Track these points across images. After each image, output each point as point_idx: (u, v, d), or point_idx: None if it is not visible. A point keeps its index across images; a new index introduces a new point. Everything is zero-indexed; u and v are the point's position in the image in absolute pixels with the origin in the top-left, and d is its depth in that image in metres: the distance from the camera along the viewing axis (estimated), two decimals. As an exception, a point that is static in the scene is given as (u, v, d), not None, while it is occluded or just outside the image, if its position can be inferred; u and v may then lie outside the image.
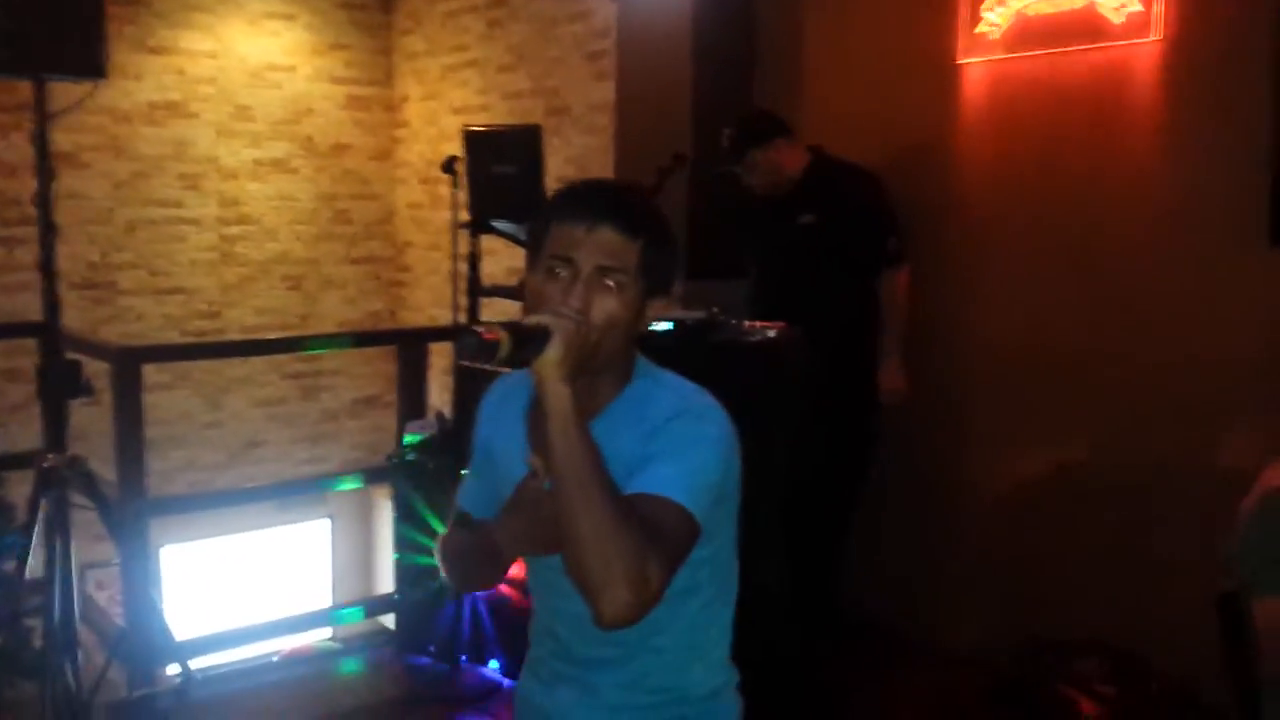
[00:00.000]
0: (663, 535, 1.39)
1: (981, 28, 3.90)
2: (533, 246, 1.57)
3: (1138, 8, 3.49)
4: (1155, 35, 3.48)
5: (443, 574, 1.75)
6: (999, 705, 3.57)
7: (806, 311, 3.56)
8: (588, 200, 1.54)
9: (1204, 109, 3.47)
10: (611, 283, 1.50)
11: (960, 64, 4.00)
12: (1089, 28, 3.63)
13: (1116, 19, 3.55)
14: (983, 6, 3.89)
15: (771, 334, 3.36)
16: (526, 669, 1.81)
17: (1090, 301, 3.75)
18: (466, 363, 1.35)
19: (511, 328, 1.39)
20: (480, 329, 1.39)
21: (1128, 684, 3.39)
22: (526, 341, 1.40)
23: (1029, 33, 3.79)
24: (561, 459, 1.38)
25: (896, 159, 4.26)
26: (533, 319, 1.44)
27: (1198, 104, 3.49)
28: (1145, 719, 3.37)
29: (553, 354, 1.39)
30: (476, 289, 4.30)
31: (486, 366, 1.46)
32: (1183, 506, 3.50)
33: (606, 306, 1.50)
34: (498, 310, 4.59)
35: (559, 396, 1.39)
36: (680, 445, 1.50)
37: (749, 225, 4.15)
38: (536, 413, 1.48)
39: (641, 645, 1.60)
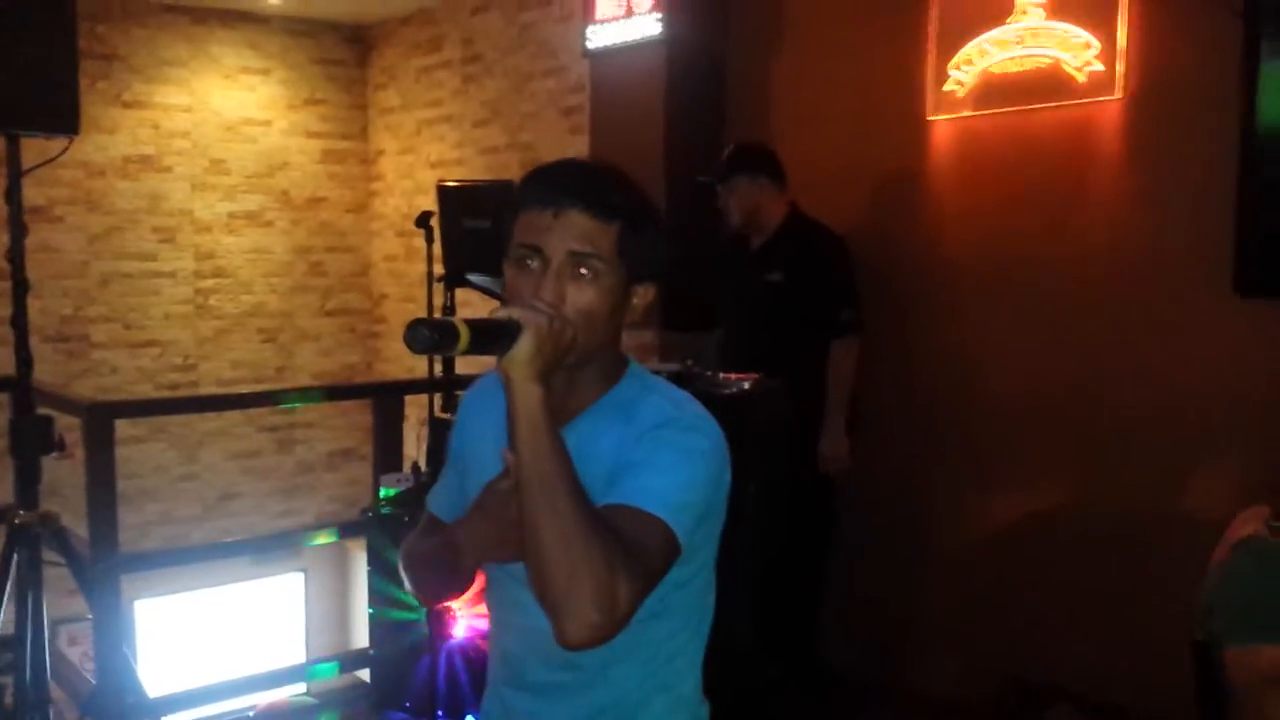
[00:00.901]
0: (637, 551, 1.26)
1: (949, 85, 3.98)
2: (505, 237, 1.44)
3: (1099, 67, 3.58)
4: (1118, 93, 3.56)
5: (406, 583, 1.61)
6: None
7: (769, 367, 3.57)
8: (554, 182, 1.40)
9: (1168, 163, 3.54)
10: (586, 271, 1.37)
11: (930, 120, 4.08)
12: (1054, 86, 3.71)
13: (1080, 77, 3.63)
14: (949, 65, 3.97)
15: (745, 386, 3.39)
16: (481, 713, 1.66)
17: (1059, 351, 3.80)
18: (421, 353, 1.19)
19: (473, 320, 1.26)
20: (435, 320, 1.24)
21: (1102, 732, 3.41)
22: (492, 336, 1.27)
23: (995, 91, 3.88)
24: (527, 462, 1.26)
25: (867, 213, 4.34)
26: (501, 312, 1.30)
27: (1161, 159, 3.56)
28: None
29: (522, 351, 1.27)
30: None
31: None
32: (1156, 552, 3.53)
33: (582, 298, 1.37)
34: (476, 363, 4.60)
35: (527, 396, 1.27)
36: (666, 455, 1.36)
37: (724, 274, 4.20)
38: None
39: (599, 673, 1.46)
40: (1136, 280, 3.62)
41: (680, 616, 1.50)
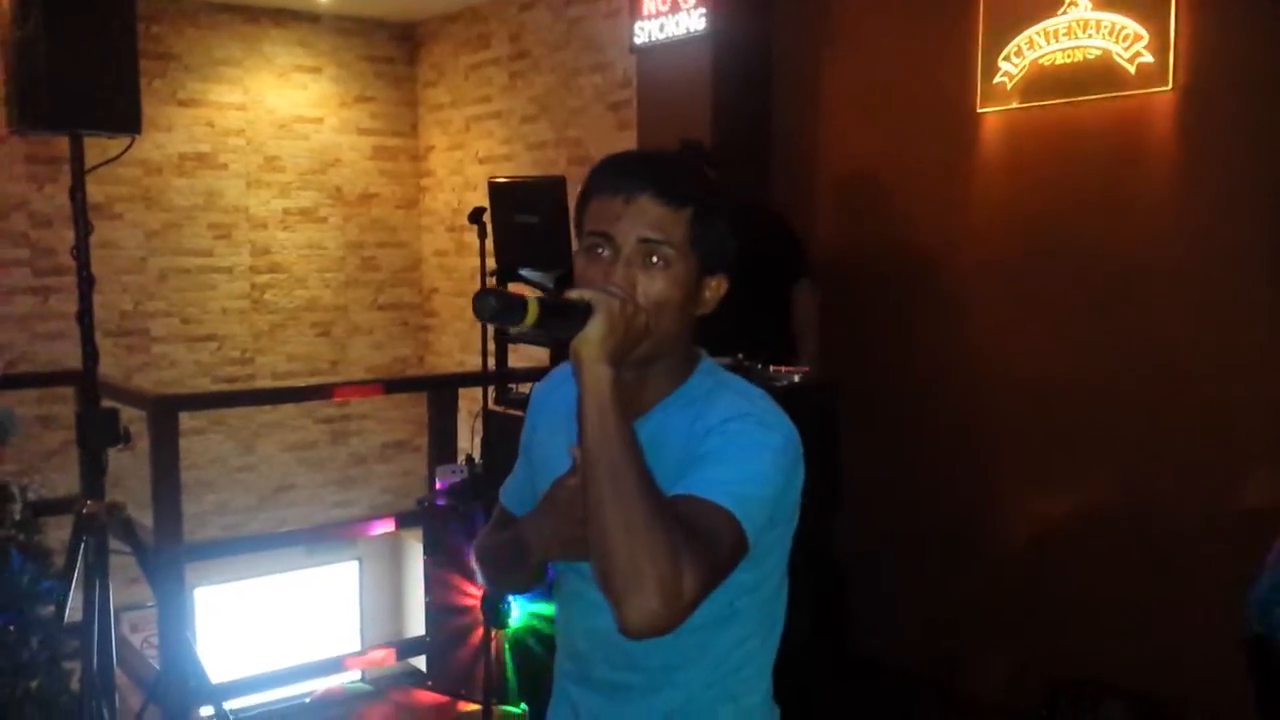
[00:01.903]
0: (703, 541, 1.22)
1: (998, 78, 3.97)
2: (576, 226, 1.43)
3: (1149, 58, 3.55)
4: (1169, 85, 3.53)
5: (477, 575, 1.60)
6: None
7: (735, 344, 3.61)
8: (626, 169, 1.39)
9: (1219, 156, 3.51)
10: (658, 259, 1.35)
11: (979, 112, 4.07)
12: (1103, 78, 3.68)
13: (1130, 69, 3.61)
14: (999, 57, 3.96)
15: (797, 379, 3.41)
16: (551, 708, 1.63)
17: (1110, 346, 3.77)
18: (486, 321, 1.24)
19: (544, 298, 1.23)
20: (502, 291, 1.23)
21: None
22: (562, 314, 1.25)
23: (1044, 83, 3.86)
24: (594, 444, 1.23)
25: (915, 206, 4.34)
26: (574, 292, 1.28)
27: (1213, 151, 3.53)
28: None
29: (594, 331, 1.24)
30: (504, 335, 4.37)
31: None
32: (1207, 548, 3.50)
33: (654, 286, 1.34)
34: (526, 356, 4.66)
35: (598, 378, 1.24)
36: (737, 449, 1.33)
37: None
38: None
39: (665, 677, 1.43)
40: (1187, 274, 3.59)
41: (749, 623, 1.46)
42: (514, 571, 1.53)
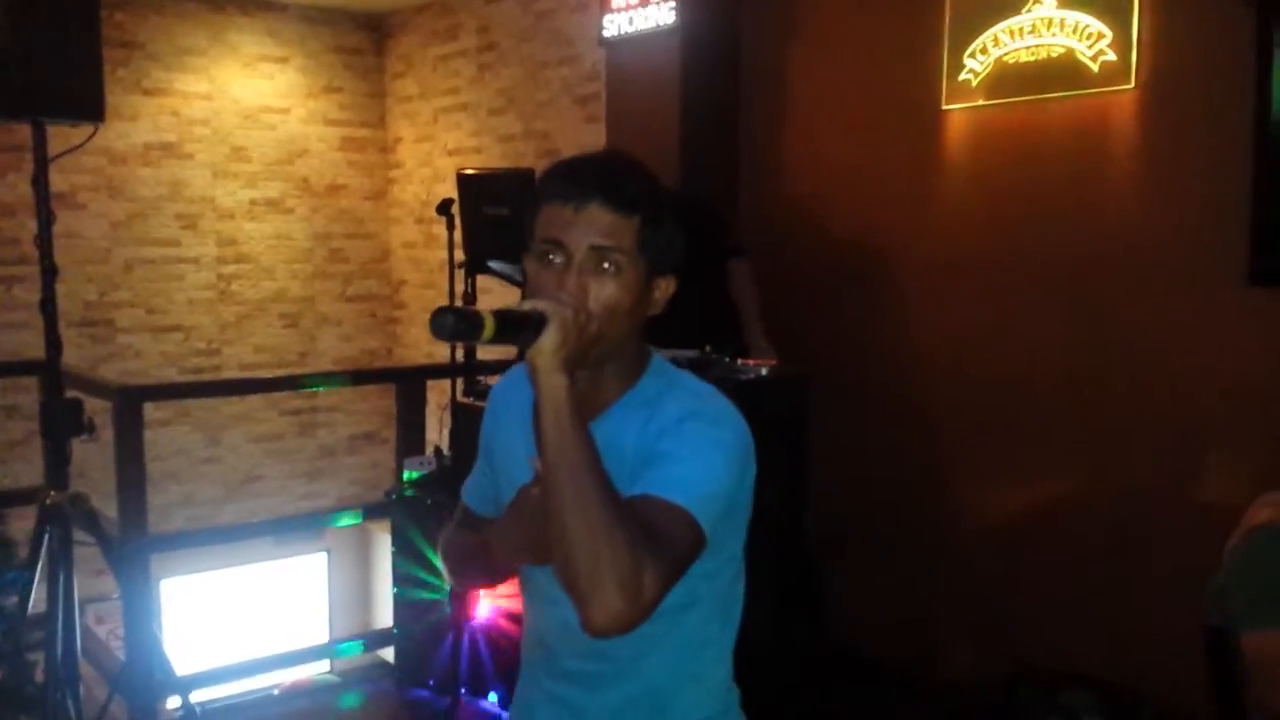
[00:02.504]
0: (662, 541, 1.27)
1: (963, 75, 4.01)
2: (527, 231, 1.44)
3: (1112, 57, 3.60)
4: (1132, 83, 3.58)
5: (444, 572, 1.66)
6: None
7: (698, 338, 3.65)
8: (575, 177, 1.41)
9: (1181, 153, 3.56)
10: (609, 265, 1.38)
11: (944, 109, 4.11)
12: (1067, 75, 3.73)
13: (1094, 67, 3.66)
14: (964, 54, 4.00)
15: (764, 372, 3.43)
16: (515, 700, 1.68)
17: (1073, 338, 3.83)
18: (445, 340, 1.28)
19: (500, 311, 1.28)
20: (461, 309, 1.26)
21: (1117, 714, 3.43)
22: (517, 327, 1.29)
23: (1009, 80, 3.90)
24: (553, 451, 1.27)
25: (880, 201, 4.37)
26: (526, 304, 1.32)
27: (1175, 148, 3.58)
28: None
29: (548, 341, 1.28)
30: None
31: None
32: (1169, 537, 3.56)
33: (605, 291, 1.38)
34: (493, 349, 4.66)
35: (554, 386, 1.28)
36: (691, 448, 1.37)
37: None
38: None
39: (632, 664, 1.49)
40: (1150, 269, 3.64)
41: (710, 607, 1.52)
42: (480, 572, 1.59)
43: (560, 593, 1.29)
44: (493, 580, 1.61)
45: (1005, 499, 4.06)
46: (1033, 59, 3.82)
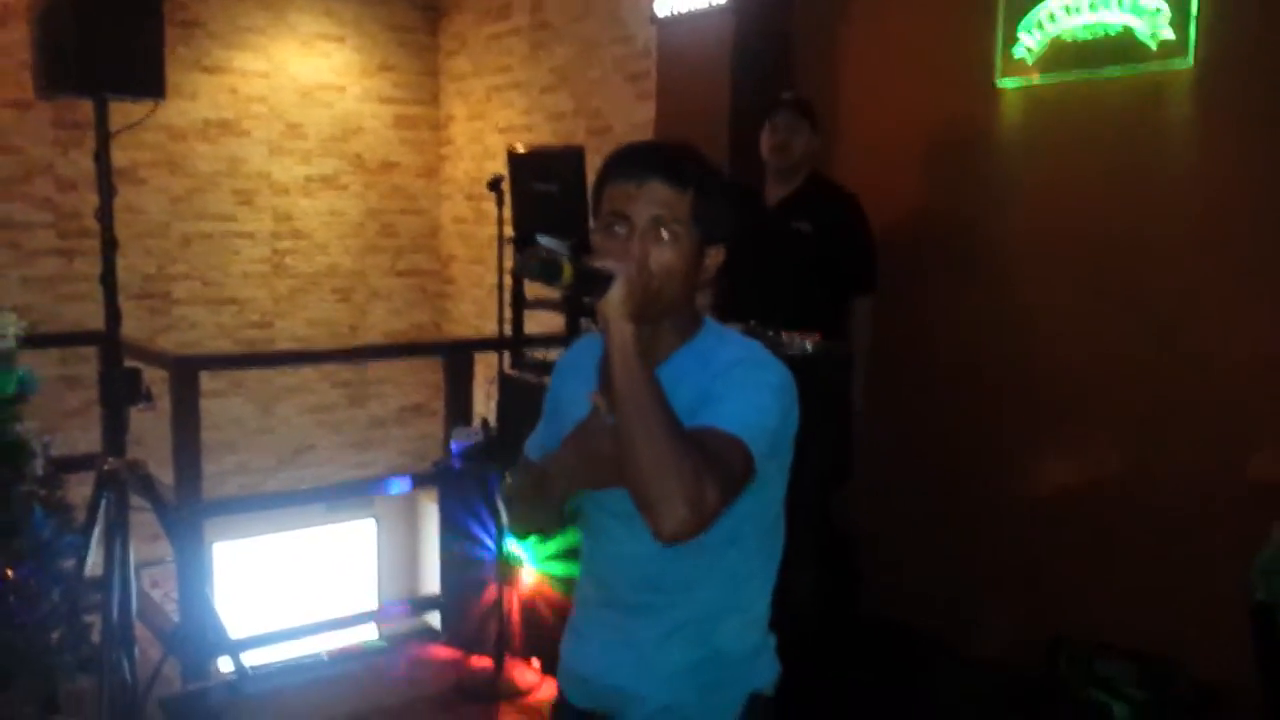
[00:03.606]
0: (720, 462, 1.44)
1: (1018, 51, 3.97)
2: (593, 208, 1.65)
3: (1170, 33, 3.54)
4: (1190, 59, 3.53)
5: (505, 516, 1.84)
6: (1026, 708, 3.61)
7: (785, 318, 3.56)
8: (637, 158, 1.63)
9: (1239, 131, 3.51)
10: (666, 233, 1.58)
11: (998, 86, 4.06)
12: (1124, 52, 3.68)
13: (1151, 44, 3.60)
14: (1018, 30, 3.96)
15: (809, 347, 3.42)
16: (568, 629, 1.85)
17: (1122, 316, 3.79)
18: (529, 279, 1.49)
19: (577, 262, 1.48)
20: (546, 252, 1.46)
21: (1156, 686, 3.42)
22: (590, 279, 1.48)
23: (1064, 56, 3.85)
24: (622, 387, 1.45)
25: (933, 178, 4.34)
26: (598, 262, 1.52)
27: (1233, 126, 3.53)
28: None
29: (616, 293, 1.47)
30: (521, 302, 4.41)
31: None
32: (1211, 510, 3.53)
33: (663, 256, 1.58)
34: (541, 323, 4.69)
35: (621, 332, 1.46)
36: (742, 388, 1.56)
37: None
38: (605, 362, 1.52)
39: (682, 595, 1.67)
40: (1205, 250, 3.59)
41: (752, 544, 1.70)
42: (540, 508, 1.75)
43: (617, 528, 1.59)
44: (550, 519, 1.76)
45: (1047, 471, 4.02)
46: (1089, 35, 3.77)
